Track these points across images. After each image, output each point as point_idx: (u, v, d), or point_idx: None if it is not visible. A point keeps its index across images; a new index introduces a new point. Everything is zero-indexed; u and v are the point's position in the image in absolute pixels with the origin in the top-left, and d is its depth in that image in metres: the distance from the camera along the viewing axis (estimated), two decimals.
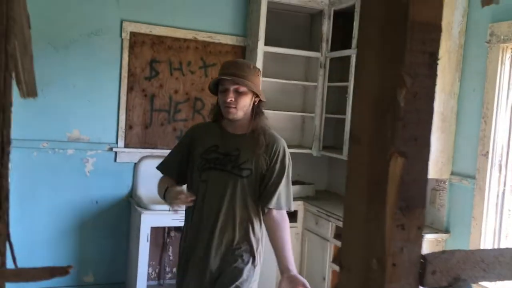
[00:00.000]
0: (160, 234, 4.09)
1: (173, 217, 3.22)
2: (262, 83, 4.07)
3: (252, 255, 2.10)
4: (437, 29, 0.52)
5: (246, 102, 2.06)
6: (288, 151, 2.17)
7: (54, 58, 3.72)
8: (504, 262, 0.60)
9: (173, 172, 2.20)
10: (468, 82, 3.21)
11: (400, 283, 0.52)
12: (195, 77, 4.19)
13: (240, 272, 2.05)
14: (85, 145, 3.89)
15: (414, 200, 0.52)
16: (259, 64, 4.06)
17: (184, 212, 2.20)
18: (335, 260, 3.70)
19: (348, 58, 4.05)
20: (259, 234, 2.14)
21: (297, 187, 4.24)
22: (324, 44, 4.30)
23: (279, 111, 4.33)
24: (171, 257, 4.14)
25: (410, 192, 0.52)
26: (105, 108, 3.94)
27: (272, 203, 2.07)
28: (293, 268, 2.01)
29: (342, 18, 4.37)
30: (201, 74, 4.21)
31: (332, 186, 4.71)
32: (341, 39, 4.43)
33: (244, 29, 4.31)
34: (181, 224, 2.27)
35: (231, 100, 2.02)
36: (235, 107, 2.04)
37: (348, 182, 0.59)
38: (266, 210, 2.11)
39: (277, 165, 2.09)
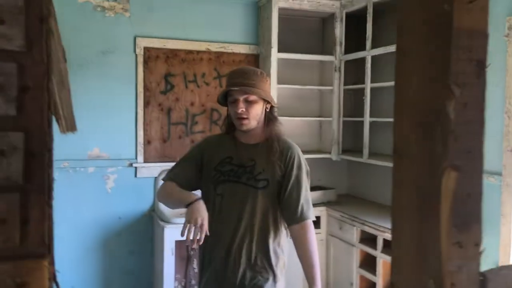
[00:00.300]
0: (184, 247, 4.07)
1: None
2: (278, 90, 4.08)
3: (272, 270, 2.00)
4: (483, 36, 0.49)
5: (258, 111, 1.98)
6: (303, 157, 2.08)
7: (70, 78, 3.74)
8: None
9: (190, 187, 2.08)
10: (489, 77, 3.10)
11: None
12: (210, 88, 4.19)
13: None
14: (105, 162, 3.92)
15: (470, 216, 0.50)
16: (273, 71, 4.04)
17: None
18: (362, 265, 3.65)
19: (362, 60, 4.02)
20: (279, 248, 2.04)
21: (318, 192, 4.20)
22: (338, 47, 4.27)
23: (296, 117, 4.31)
24: (195, 270, 4.13)
25: (465, 208, 0.50)
26: (123, 125, 3.96)
27: (297, 218, 1.99)
28: (317, 283, 1.94)
29: (354, 20, 4.34)
30: (216, 85, 4.21)
31: (353, 190, 4.66)
32: (354, 41, 4.40)
33: (257, 37, 4.31)
34: None
35: (242, 110, 1.95)
36: (247, 118, 1.96)
37: (395, 198, 0.56)
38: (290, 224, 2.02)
39: (293, 172, 2.00)
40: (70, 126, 0.53)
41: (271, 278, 1.99)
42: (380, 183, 4.13)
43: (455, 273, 0.50)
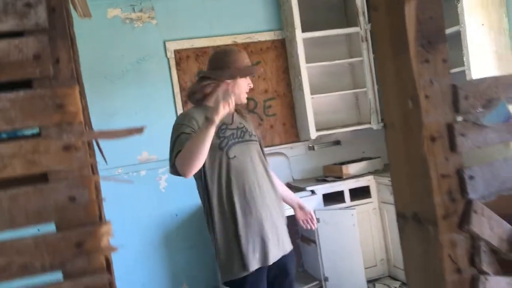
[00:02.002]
0: None
1: None
2: (307, 69, 4.15)
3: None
4: None
5: None
6: None
7: (113, 90, 3.99)
8: None
9: None
10: None
11: (437, 112, 0.57)
12: None
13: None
14: (155, 164, 4.12)
15: (434, 36, 0.57)
16: (301, 51, 4.11)
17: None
18: None
19: None
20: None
21: (364, 163, 4.22)
22: (361, 18, 4.29)
23: (330, 93, 4.35)
24: None
25: (428, 30, 0.57)
26: (165, 126, 4.08)
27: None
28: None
29: None
30: None
31: None
32: None
33: (279, 22, 4.40)
34: None
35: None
36: None
37: (378, 50, 0.65)
38: None
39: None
40: (85, 12, 0.65)
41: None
42: None
43: (428, 87, 0.57)
